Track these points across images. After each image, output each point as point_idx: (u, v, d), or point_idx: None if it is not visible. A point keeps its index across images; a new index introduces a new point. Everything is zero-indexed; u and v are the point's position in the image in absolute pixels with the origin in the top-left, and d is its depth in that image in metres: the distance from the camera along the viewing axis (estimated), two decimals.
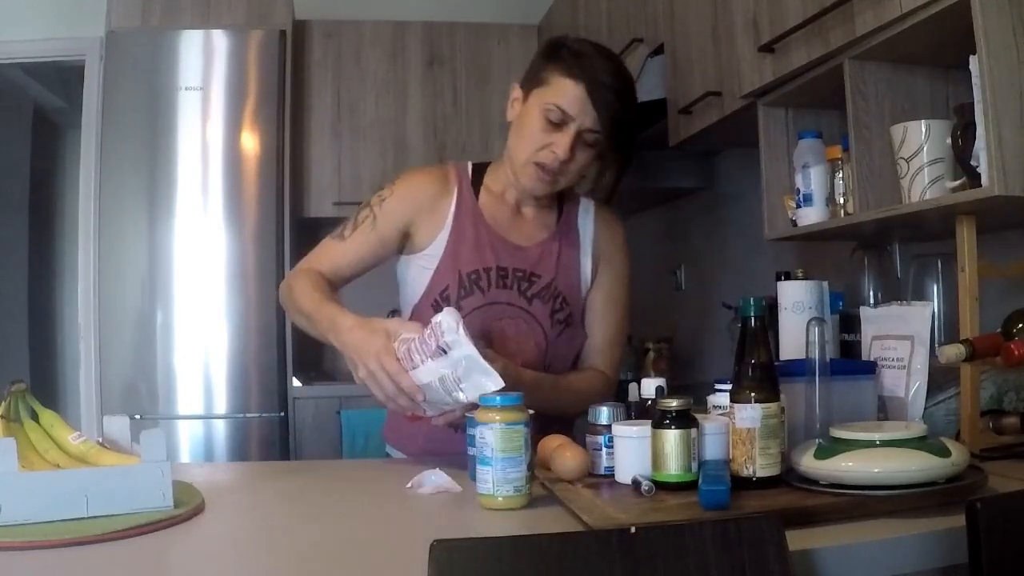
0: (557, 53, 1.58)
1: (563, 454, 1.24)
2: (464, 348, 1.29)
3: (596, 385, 1.65)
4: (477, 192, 1.67)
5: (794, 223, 1.98)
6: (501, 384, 1.27)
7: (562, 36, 1.64)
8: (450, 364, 1.29)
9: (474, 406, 1.26)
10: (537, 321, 1.62)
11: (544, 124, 1.55)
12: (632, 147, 1.64)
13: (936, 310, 1.62)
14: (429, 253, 1.63)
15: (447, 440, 1.49)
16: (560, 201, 1.72)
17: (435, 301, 1.60)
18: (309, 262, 1.64)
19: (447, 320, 1.30)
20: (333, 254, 1.63)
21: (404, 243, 1.66)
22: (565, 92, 1.54)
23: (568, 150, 1.55)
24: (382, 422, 1.87)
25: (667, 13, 2.58)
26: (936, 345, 1.43)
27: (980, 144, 1.38)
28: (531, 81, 1.61)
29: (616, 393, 1.67)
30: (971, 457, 1.17)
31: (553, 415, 1.54)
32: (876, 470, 1.08)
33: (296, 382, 3.56)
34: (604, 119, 1.54)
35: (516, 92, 1.64)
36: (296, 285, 1.58)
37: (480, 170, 1.71)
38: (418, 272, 1.64)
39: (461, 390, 1.30)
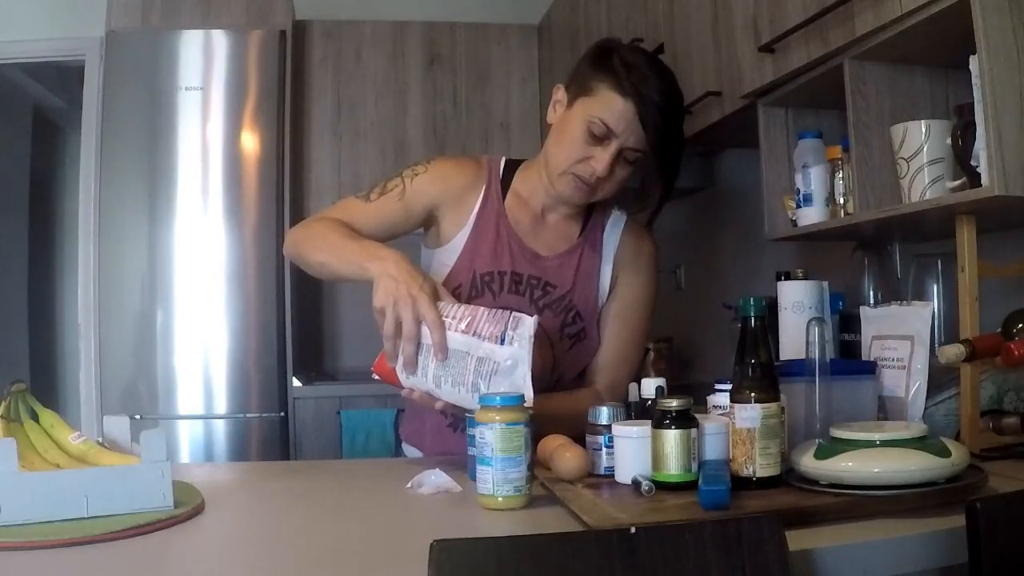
0: (607, 62, 1.51)
1: (563, 454, 1.24)
2: (522, 353, 1.28)
3: (587, 408, 1.47)
4: (505, 191, 1.64)
5: (794, 223, 1.98)
6: (531, 403, 1.25)
7: (613, 41, 1.59)
8: (499, 355, 1.29)
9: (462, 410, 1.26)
10: (546, 333, 1.59)
11: (586, 136, 1.50)
12: (677, 168, 1.57)
13: (936, 310, 1.61)
14: (449, 249, 1.61)
15: (463, 441, 1.48)
16: (588, 211, 1.66)
17: None
18: (330, 213, 1.59)
19: (529, 323, 1.30)
20: (353, 211, 1.59)
21: (426, 225, 1.64)
22: (612, 108, 1.48)
23: (608, 167, 1.50)
24: (382, 422, 1.86)
25: (667, 13, 2.58)
26: (936, 345, 1.43)
27: (980, 144, 1.38)
28: (577, 87, 1.55)
29: None
30: (971, 457, 1.17)
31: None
32: (876, 470, 1.08)
33: (296, 382, 3.56)
34: (651, 139, 1.49)
35: (560, 94, 1.59)
36: (317, 224, 1.55)
37: (512, 168, 1.67)
38: (438, 267, 1.62)
39: (489, 383, 1.29)
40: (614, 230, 1.67)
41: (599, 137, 1.50)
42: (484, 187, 1.63)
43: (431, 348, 1.33)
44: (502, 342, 1.29)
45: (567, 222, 1.66)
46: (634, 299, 1.67)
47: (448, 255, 1.61)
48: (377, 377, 1.42)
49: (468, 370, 1.31)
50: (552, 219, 1.65)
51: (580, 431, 1.32)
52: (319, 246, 1.52)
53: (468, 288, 1.58)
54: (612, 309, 1.65)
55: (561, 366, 1.62)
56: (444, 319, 1.33)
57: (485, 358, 1.29)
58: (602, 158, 1.50)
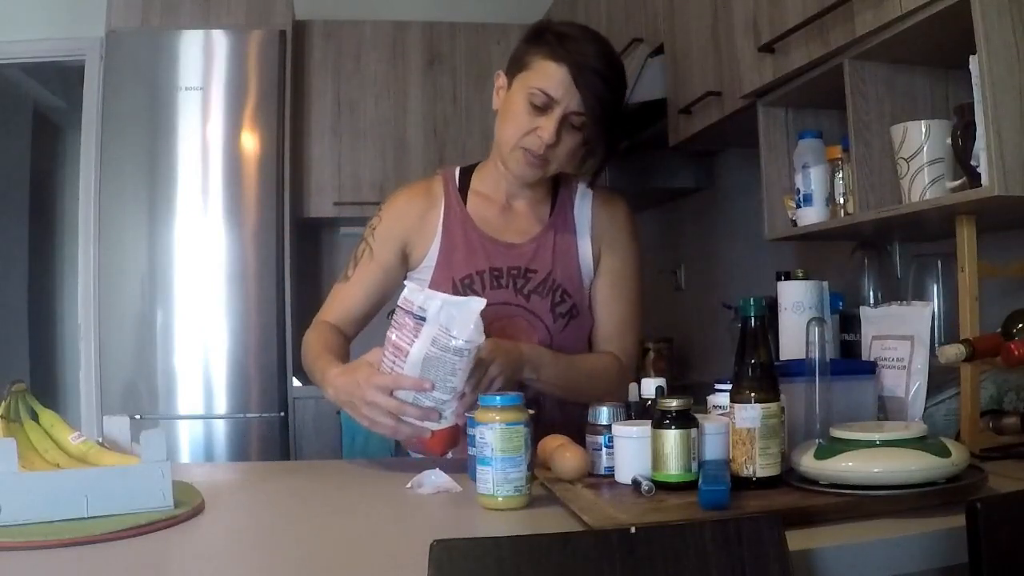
0: (541, 36, 1.55)
1: (563, 454, 1.24)
2: (436, 299, 1.31)
3: (610, 367, 1.61)
4: (466, 196, 1.67)
5: (794, 223, 1.98)
6: (483, 302, 1.29)
7: (546, 20, 1.62)
8: (433, 323, 1.30)
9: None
10: (538, 317, 1.61)
11: (529, 108, 1.52)
12: (619, 129, 1.60)
13: (936, 310, 1.61)
14: (425, 266, 1.64)
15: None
16: (555, 190, 1.69)
17: None
18: (322, 314, 1.66)
19: (409, 289, 1.34)
20: (341, 298, 1.65)
21: (406, 265, 1.67)
22: (548, 75, 1.51)
23: (554, 134, 1.52)
24: None
25: (667, 13, 2.58)
26: (936, 345, 1.43)
27: (980, 144, 1.38)
28: (515, 66, 1.58)
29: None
30: (971, 457, 1.17)
31: (567, 398, 1.54)
32: (876, 470, 1.08)
33: (296, 382, 3.56)
34: (589, 101, 1.51)
35: (500, 80, 1.62)
36: (307, 340, 1.61)
37: (468, 173, 1.70)
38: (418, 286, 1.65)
39: (454, 337, 1.30)
40: (584, 203, 1.69)
41: (541, 107, 1.52)
42: (442, 200, 1.66)
43: (416, 393, 1.35)
44: (422, 320, 1.31)
45: (535, 206, 1.68)
46: (621, 265, 1.69)
47: (425, 272, 1.64)
48: (448, 454, 1.43)
49: (439, 356, 1.31)
50: (519, 206, 1.68)
51: (601, 391, 1.37)
52: (305, 366, 1.60)
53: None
54: (603, 281, 1.67)
55: (558, 345, 1.62)
56: (395, 371, 1.34)
57: (436, 337, 1.31)
58: (547, 126, 1.52)
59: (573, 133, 1.55)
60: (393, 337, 1.35)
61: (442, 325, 1.30)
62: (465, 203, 1.66)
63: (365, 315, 1.66)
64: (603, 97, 1.52)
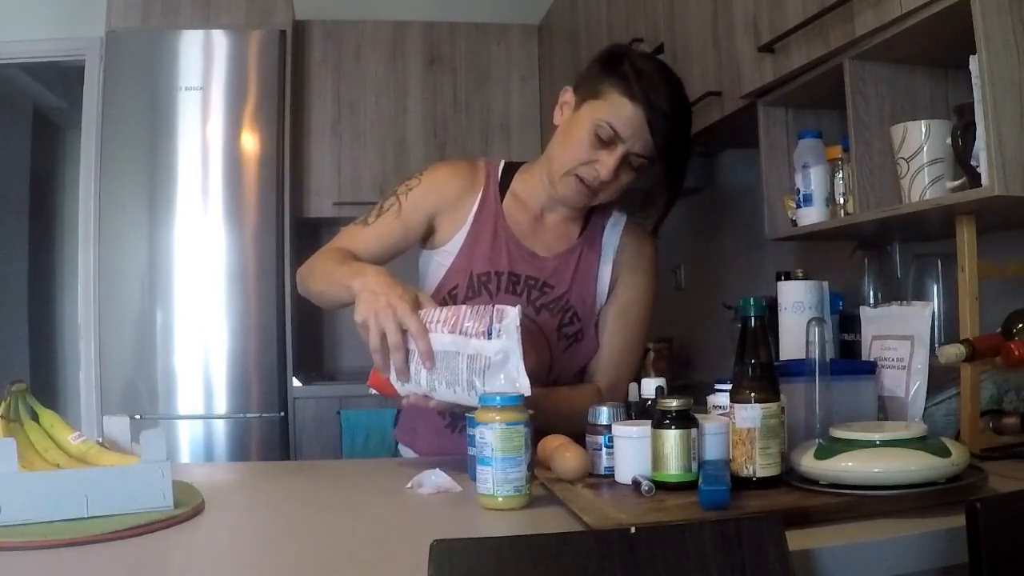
0: (618, 66, 1.52)
1: (563, 454, 1.24)
2: (511, 344, 1.28)
3: (588, 404, 1.49)
4: (504, 193, 1.64)
5: (794, 223, 1.98)
6: (527, 392, 1.26)
7: (624, 47, 1.59)
8: (489, 349, 1.28)
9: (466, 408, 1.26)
10: (543, 333, 1.59)
11: (592, 139, 1.51)
12: (683, 176, 1.58)
13: (936, 310, 1.61)
14: (447, 250, 1.62)
15: (460, 440, 1.48)
16: (588, 212, 1.66)
17: (444, 299, 1.59)
18: (330, 244, 1.61)
19: (513, 313, 1.30)
20: (355, 239, 1.60)
21: (427, 235, 1.64)
22: (621, 112, 1.49)
23: (612, 171, 1.51)
24: (382, 422, 1.86)
25: (667, 13, 2.58)
26: (936, 345, 1.43)
27: (980, 144, 1.38)
28: (586, 90, 1.55)
29: None
30: (971, 457, 1.17)
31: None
32: (876, 470, 1.08)
33: (296, 382, 3.56)
34: (658, 146, 1.50)
35: (568, 96, 1.60)
36: (318, 257, 1.57)
37: (511, 170, 1.67)
38: (435, 268, 1.63)
39: (484, 379, 1.28)
40: (614, 231, 1.67)
41: (605, 141, 1.50)
42: (482, 189, 1.63)
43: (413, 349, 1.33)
44: (489, 336, 1.29)
45: (566, 223, 1.66)
46: (634, 299, 1.67)
47: (445, 256, 1.62)
48: (374, 391, 1.42)
49: (461, 369, 1.30)
50: (551, 220, 1.66)
51: (582, 427, 1.32)
52: (316, 276, 1.54)
53: (465, 289, 1.58)
54: (612, 310, 1.66)
55: (558, 366, 1.62)
56: (428, 324, 1.32)
57: (476, 355, 1.29)
58: (607, 162, 1.51)
59: (629, 172, 1.54)
60: (464, 315, 1.32)
61: (488, 362, 1.28)
62: (501, 200, 1.64)
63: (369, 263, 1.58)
64: (672, 142, 1.51)
